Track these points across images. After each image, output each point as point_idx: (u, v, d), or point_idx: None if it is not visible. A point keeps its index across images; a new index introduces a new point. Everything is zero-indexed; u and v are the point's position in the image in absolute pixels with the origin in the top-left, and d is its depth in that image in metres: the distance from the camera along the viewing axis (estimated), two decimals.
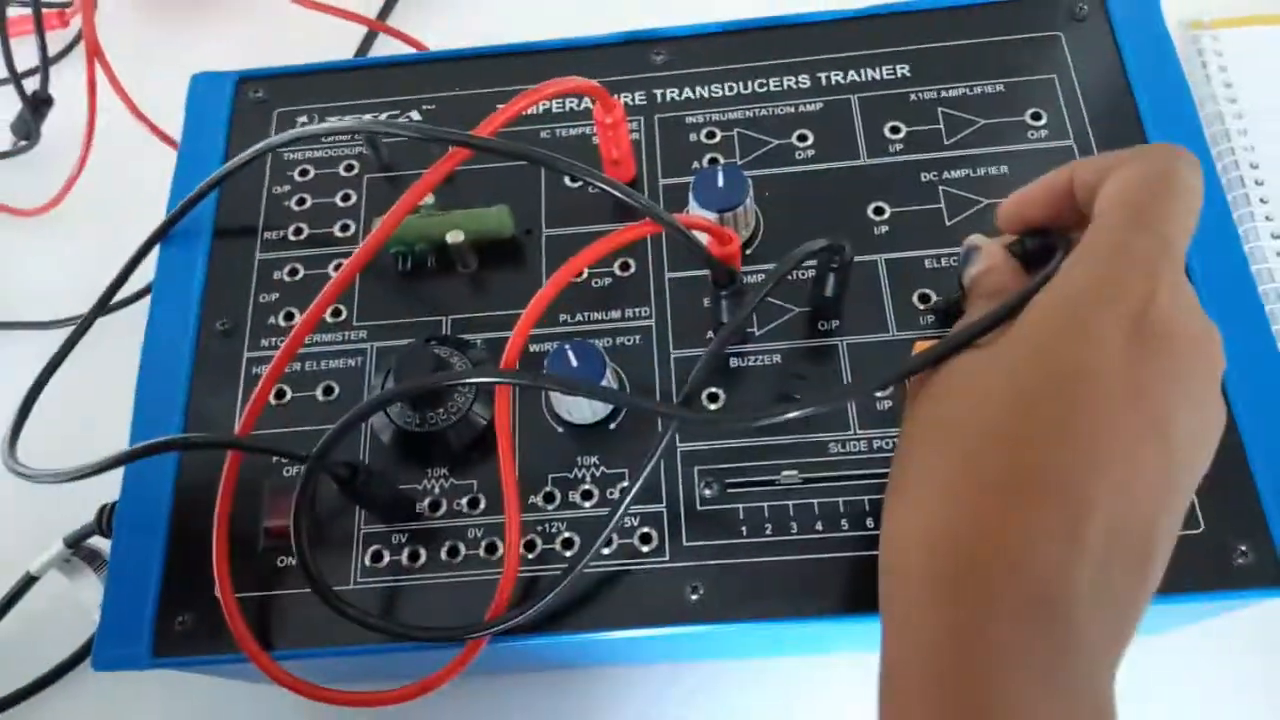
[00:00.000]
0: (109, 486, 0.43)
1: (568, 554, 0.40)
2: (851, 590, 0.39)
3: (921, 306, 0.44)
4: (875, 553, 0.39)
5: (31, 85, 0.63)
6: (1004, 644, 0.27)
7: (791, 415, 0.35)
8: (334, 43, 0.67)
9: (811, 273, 0.43)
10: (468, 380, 0.39)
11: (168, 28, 0.72)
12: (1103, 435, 0.27)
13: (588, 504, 0.41)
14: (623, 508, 0.38)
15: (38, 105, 0.63)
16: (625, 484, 0.41)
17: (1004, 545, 0.27)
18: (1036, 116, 0.47)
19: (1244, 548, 0.38)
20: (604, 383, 0.40)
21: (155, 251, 0.49)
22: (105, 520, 0.46)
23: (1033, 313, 0.30)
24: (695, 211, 0.44)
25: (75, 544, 0.50)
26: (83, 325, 0.49)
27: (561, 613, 0.39)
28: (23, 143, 0.66)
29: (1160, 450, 0.27)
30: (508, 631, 0.38)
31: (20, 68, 0.63)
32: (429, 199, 0.45)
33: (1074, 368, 0.28)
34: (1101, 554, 0.27)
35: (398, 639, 0.38)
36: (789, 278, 0.44)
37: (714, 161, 0.48)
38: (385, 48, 0.67)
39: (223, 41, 0.71)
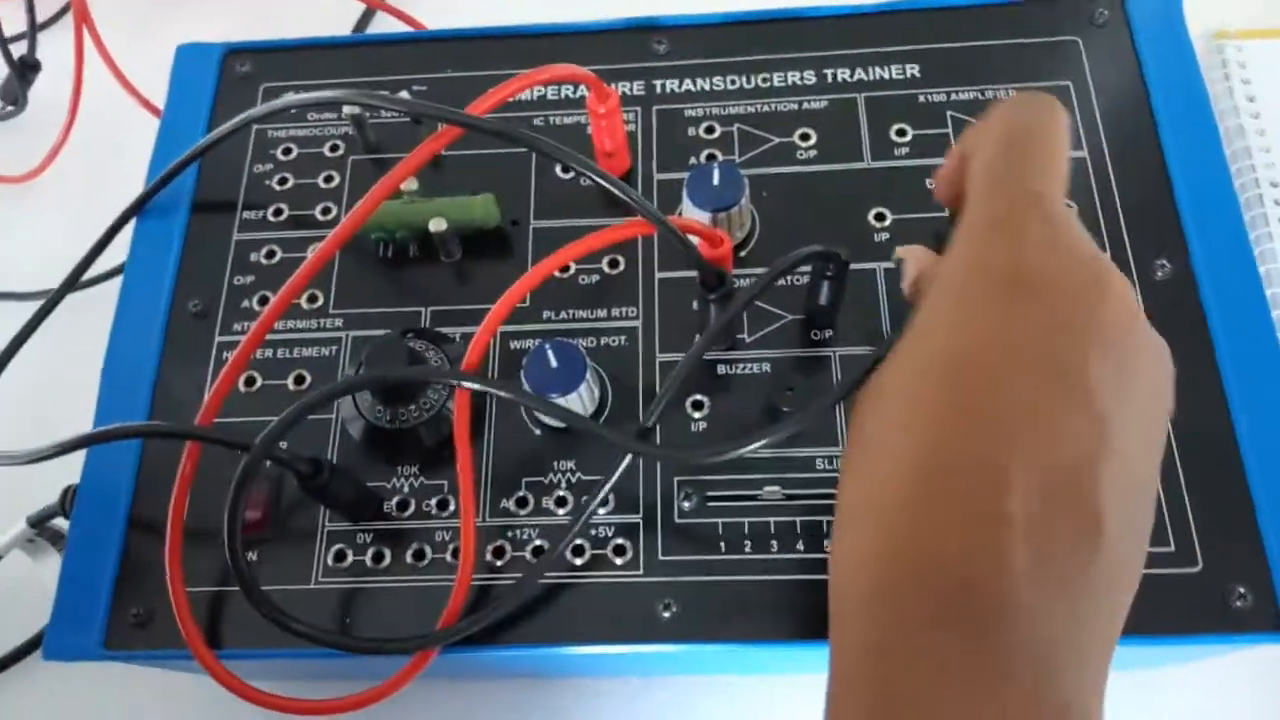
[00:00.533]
0: (78, 466, 0.42)
1: (535, 563, 0.39)
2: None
3: None
4: None
5: (19, 50, 0.62)
6: (916, 648, 0.25)
7: (740, 453, 0.34)
8: (332, 18, 0.65)
9: (807, 278, 0.41)
10: (412, 378, 0.38)
11: None
12: (998, 406, 0.26)
13: (561, 511, 0.40)
14: (576, 527, 0.37)
15: (25, 70, 0.61)
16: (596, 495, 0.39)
17: (920, 549, 0.26)
18: None
19: (1243, 589, 0.36)
20: (584, 385, 0.39)
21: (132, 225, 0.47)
22: (69, 502, 0.44)
23: (920, 307, 0.29)
24: (689, 209, 0.42)
25: (39, 524, 0.49)
26: (51, 301, 0.48)
27: (526, 624, 0.38)
28: (9, 108, 0.64)
29: (1072, 401, 0.25)
30: (461, 643, 0.37)
31: (9, 32, 0.61)
32: (413, 184, 0.43)
33: (956, 348, 0.27)
34: (1031, 524, 0.24)
35: (340, 649, 0.36)
36: (785, 282, 0.43)
37: (712, 158, 0.46)
38: (384, 25, 0.65)
39: (219, 12, 0.69)
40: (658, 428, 0.41)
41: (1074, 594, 0.25)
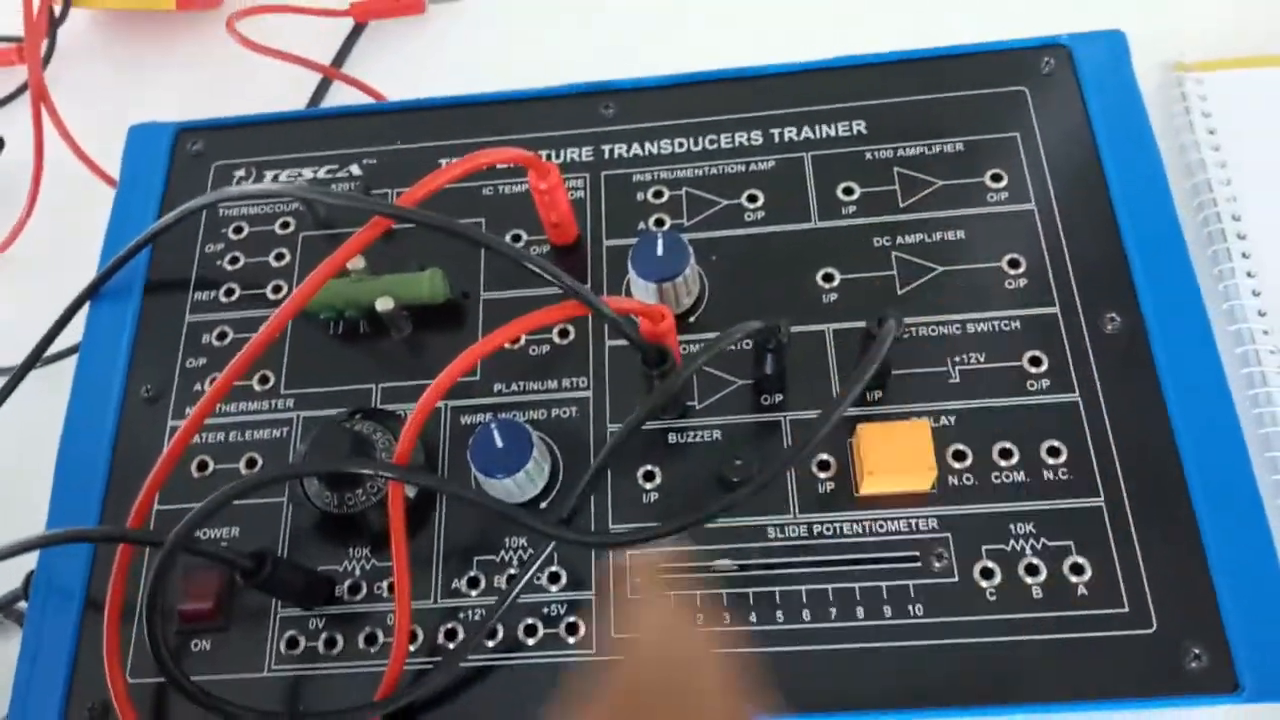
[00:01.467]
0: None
1: (489, 644, 0.39)
2: (788, 689, 0.37)
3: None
4: (810, 648, 0.37)
5: None
6: None
7: (653, 538, 0.35)
8: (292, 88, 0.65)
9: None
10: (332, 470, 0.38)
11: (127, 72, 0.70)
12: None
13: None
14: (496, 615, 0.37)
15: None
16: (553, 570, 0.39)
17: None
18: (997, 178, 0.45)
19: (1197, 650, 0.36)
20: (531, 463, 0.38)
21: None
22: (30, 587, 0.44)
23: None
24: (635, 280, 0.42)
25: (4, 608, 0.49)
26: (11, 382, 0.48)
27: (475, 706, 0.38)
28: None
29: None
30: None
31: None
32: (359, 262, 0.44)
33: None
34: None
35: None
36: (733, 348, 0.43)
37: (660, 222, 0.46)
38: (343, 93, 0.65)
39: (181, 84, 0.69)
40: (609, 499, 0.41)
41: None
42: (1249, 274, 0.56)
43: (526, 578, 0.36)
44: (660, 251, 0.41)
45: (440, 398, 0.37)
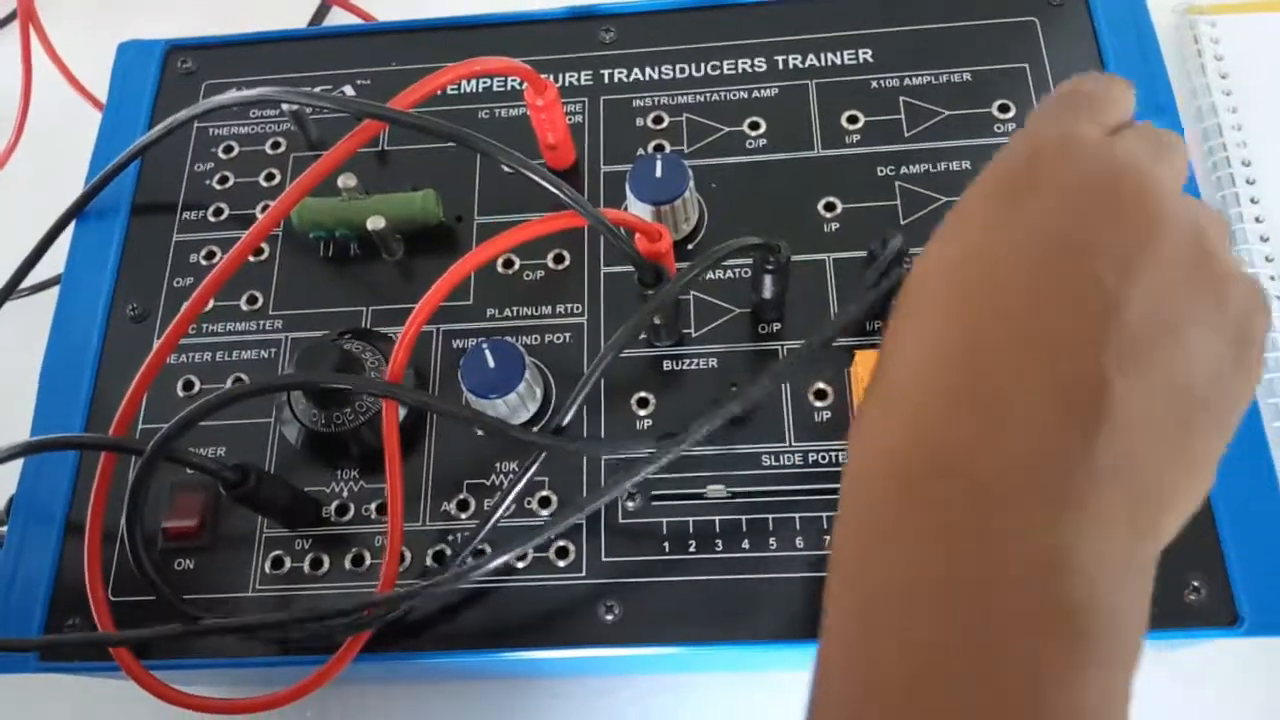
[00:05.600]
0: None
1: (439, 568, 0.38)
2: (778, 615, 0.36)
3: None
4: (804, 575, 0.37)
5: None
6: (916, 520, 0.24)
7: (652, 453, 0.35)
8: (289, 12, 0.64)
9: (750, 271, 0.40)
10: (317, 385, 0.37)
11: None
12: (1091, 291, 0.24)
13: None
14: (483, 531, 0.37)
15: None
16: (544, 495, 0.39)
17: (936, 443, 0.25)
18: (1004, 109, 0.44)
19: (1196, 583, 0.35)
20: (522, 385, 0.38)
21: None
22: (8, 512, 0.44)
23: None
24: (633, 203, 0.41)
25: None
26: None
27: (463, 627, 0.37)
28: None
29: (1074, 276, 0.24)
30: (393, 646, 0.36)
31: None
32: (351, 181, 0.43)
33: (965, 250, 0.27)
34: (1031, 410, 0.24)
35: (262, 639, 0.36)
36: (732, 275, 0.42)
37: (660, 148, 0.45)
38: (341, 20, 0.64)
39: (176, 9, 0.68)
40: (602, 424, 0.40)
41: (1138, 481, 0.23)
42: (1257, 219, 0.55)
43: (519, 487, 0.36)
44: (659, 173, 0.40)
45: (435, 308, 0.36)
